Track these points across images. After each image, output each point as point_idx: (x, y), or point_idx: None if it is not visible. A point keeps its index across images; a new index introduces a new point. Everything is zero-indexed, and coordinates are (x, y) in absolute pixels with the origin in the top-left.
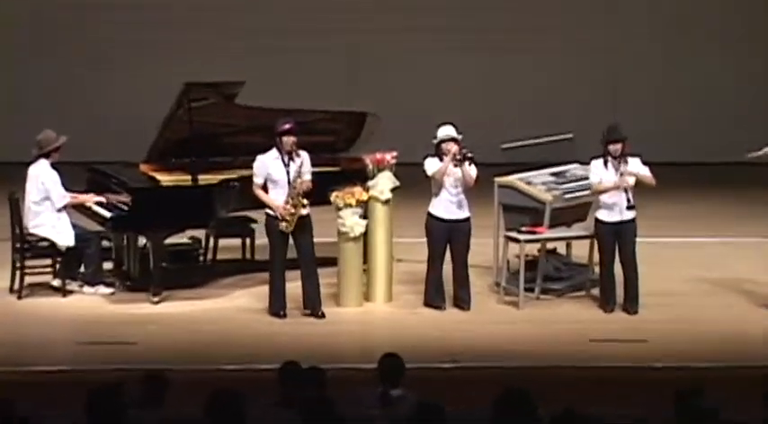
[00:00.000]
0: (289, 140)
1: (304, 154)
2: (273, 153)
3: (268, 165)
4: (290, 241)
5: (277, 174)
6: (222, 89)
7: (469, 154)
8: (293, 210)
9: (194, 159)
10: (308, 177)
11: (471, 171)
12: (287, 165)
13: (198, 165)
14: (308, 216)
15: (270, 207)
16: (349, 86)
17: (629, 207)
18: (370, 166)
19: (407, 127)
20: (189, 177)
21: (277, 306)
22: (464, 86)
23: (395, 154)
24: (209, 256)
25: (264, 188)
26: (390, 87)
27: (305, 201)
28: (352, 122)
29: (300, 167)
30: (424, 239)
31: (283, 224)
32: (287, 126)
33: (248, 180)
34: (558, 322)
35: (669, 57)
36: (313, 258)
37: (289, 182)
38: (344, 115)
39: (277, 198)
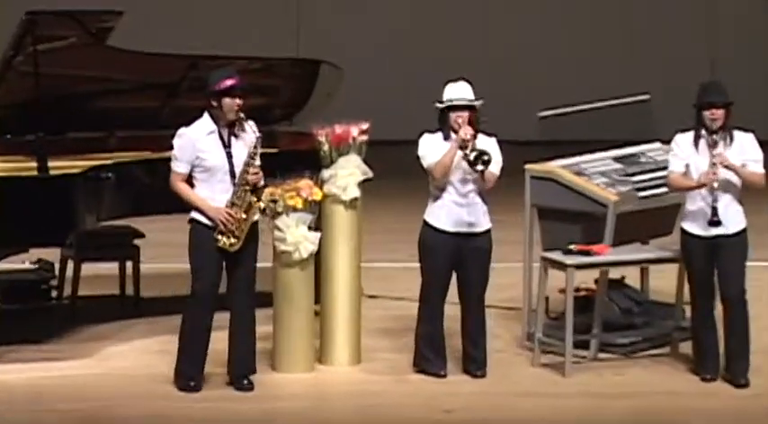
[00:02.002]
0: (233, 103)
1: (251, 126)
2: (206, 125)
3: (198, 144)
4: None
5: (213, 159)
6: (86, 22)
7: (485, 156)
8: (244, 216)
9: (43, 135)
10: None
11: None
12: (228, 145)
13: (49, 145)
14: (255, 224)
15: (201, 212)
16: (300, 28)
17: (713, 223)
18: (326, 146)
19: (388, 85)
20: (34, 164)
21: (189, 372)
22: (478, 28)
23: (365, 127)
24: (68, 290)
25: (189, 181)
26: (357, 28)
27: (260, 203)
28: (299, 76)
29: (256, 146)
30: (416, 263)
31: (227, 239)
32: (229, 81)
33: (131, 167)
34: (627, 397)
35: None
36: (253, 296)
37: (232, 173)
38: (286, 65)
39: (211, 196)
